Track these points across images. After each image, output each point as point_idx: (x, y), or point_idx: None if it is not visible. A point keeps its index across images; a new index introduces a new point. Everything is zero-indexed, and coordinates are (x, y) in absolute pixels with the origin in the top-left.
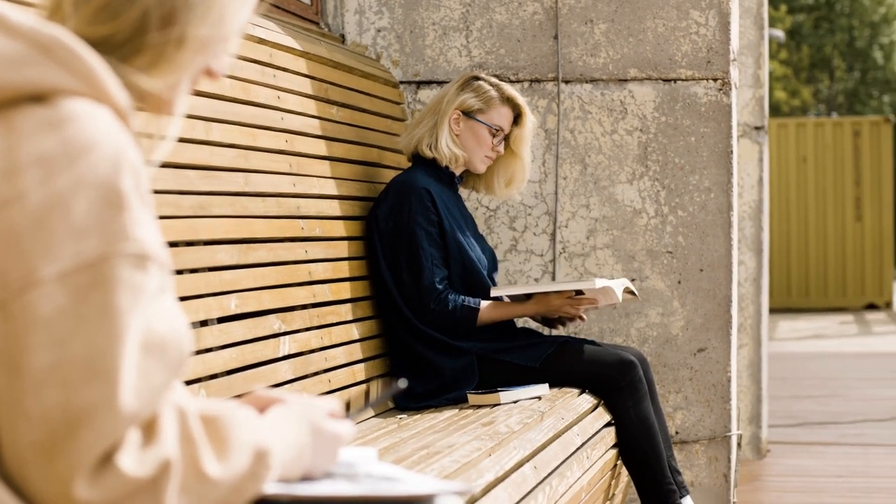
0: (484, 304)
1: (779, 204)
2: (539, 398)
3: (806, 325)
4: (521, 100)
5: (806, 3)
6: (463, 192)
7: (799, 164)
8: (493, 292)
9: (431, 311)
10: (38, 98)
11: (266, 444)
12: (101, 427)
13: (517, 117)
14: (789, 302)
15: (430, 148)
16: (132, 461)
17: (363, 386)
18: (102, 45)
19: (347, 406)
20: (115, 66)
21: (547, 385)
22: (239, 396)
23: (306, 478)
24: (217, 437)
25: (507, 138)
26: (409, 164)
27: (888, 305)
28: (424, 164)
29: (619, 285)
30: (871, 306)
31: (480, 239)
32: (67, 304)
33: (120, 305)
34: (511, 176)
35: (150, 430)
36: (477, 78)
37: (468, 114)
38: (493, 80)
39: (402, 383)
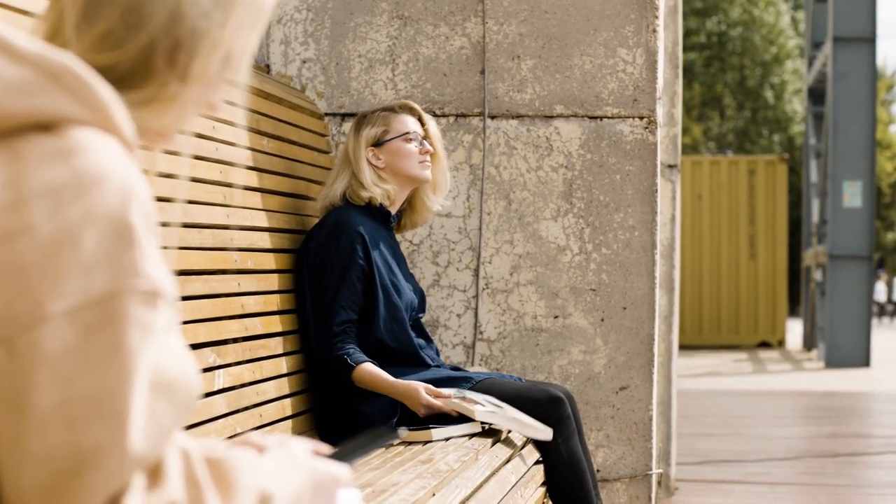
0: (364, 366)
1: None
2: (471, 436)
3: (700, 363)
4: (412, 103)
5: (698, 41)
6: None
7: (694, 201)
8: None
9: (321, 353)
10: (46, 127)
11: (269, 487)
12: (109, 469)
13: (420, 119)
14: (682, 339)
15: (357, 193)
16: None
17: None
18: (106, 74)
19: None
20: (119, 97)
21: (479, 422)
22: None
23: None
24: (222, 481)
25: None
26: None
27: (781, 344)
28: (357, 205)
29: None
30: (764, 344)
31: (411, 279)
32: (76, 342)
33: (129, 343)
34: (435, 180)
35: (155, 472)
36: (364, 114)
37: (379, 143)
38: (382, 105)
39: (403, 432)
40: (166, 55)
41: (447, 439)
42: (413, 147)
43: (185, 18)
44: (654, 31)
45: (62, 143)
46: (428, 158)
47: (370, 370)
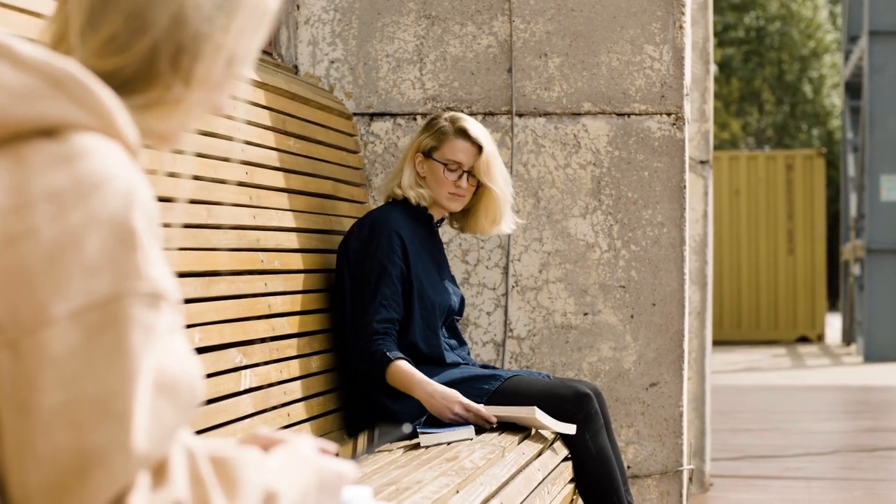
0: (402, 362)
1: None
2: (469, 440)
3: (739, 358)
4: (476, 130)
5: (736, 36)
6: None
7: (732, 197)
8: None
9: (358, 348)
10: (49, 132)
11: (274, 485)
12: (113, 469)
13: (480, 149)
14: (721, 335)
15: (398, 187)
16: None
17: (365, 430)
18: (110, 79)
19: (354, 448)
20: (123, 101)
21: (472, 427)
22: (202, 431)
23: None
24: (226, 479)
25: (474, 172)
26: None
27: (820, 338)
28: (401, 203)
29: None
30: (803, 339)
31: (451, 281)
32: (79, 344)
33: (132, 345)
34: (493, 213)
35: (159, 471)
36: (437, 116)
37: (427, 153)
38: (455, 114)
39: (406, 428)
40: (170, 59)
41: (438, 444)
42: (450, 177)
43: (188, 22)
44: (681, 27)
45: (65, 149)
46: (461, 193)
47: (407, 367)
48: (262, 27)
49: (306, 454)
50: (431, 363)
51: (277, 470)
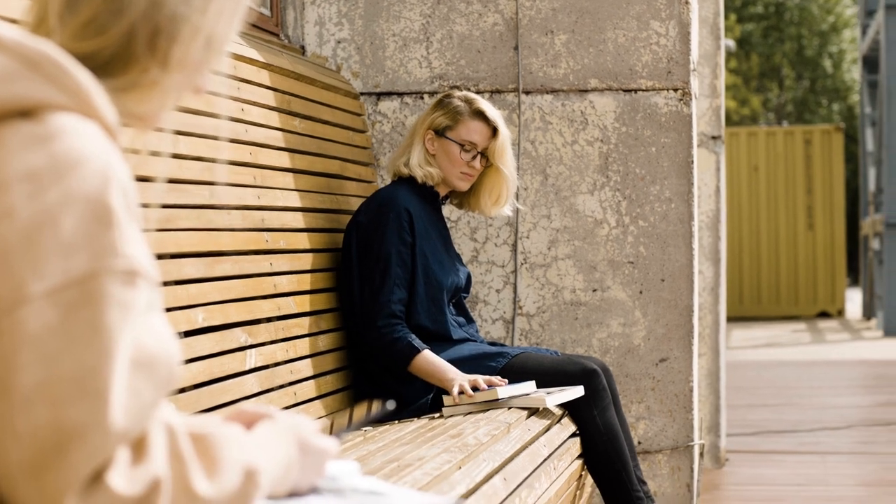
0: (428, 352)
1: (730, 213)
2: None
3: (759, 334)
4: (493, 113)
5: (755, 12)
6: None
7: (750, 173)
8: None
9: (377, 328)
10: (26, 113)
11: (255, 462)
12: (91, 445)
13: (495, 131)
14: (742, 310)
15: (405, 165)
16: (122, 480)
17: (349, 405)
18: (88, 61)
19: (332, 424)
20: (101, 83)
21: (534, 382)
22: (206, 411)
23: (293, 493)
24: (207, 456)
25: (487, 154)
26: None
27: (840, 313)
28: (407, 181)
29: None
30: (824, 314)
31: (457, 259)
32: (56, 321)
33: (109, 322)
34: (498, 193)
35: (139, 448)
36: (449, 95)
37: (439, 132)
38: (468, 94)
39: (391, 405)
40: (147, 41)
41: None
42: (464, 157)
43: (165, 4)
44: (687, 2)
45: (41, 129)
46: (472, 173)
47: (434, 358)
48: (240, 8)
49: (288, 430)
50: (438, 340)
51: (258, 446)
